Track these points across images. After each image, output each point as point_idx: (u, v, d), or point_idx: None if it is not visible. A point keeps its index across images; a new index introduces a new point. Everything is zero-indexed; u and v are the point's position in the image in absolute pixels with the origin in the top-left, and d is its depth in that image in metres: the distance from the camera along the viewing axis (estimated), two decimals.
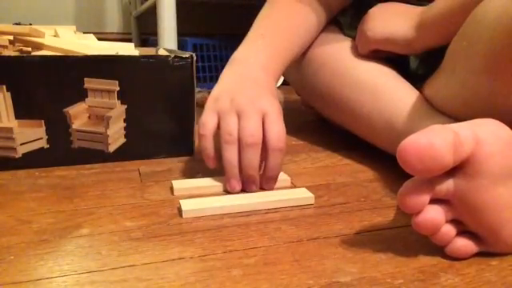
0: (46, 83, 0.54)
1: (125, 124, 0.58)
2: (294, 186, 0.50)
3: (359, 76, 0.58)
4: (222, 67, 0.57)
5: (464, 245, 0.34)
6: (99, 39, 0.70)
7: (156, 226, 0.40)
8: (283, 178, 0.50)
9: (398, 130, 0.53)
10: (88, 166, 0.57)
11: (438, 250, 0.34)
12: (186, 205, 0.42)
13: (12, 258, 0.34)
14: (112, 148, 0.58)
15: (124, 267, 0.33)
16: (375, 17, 0.58)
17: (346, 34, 0.66)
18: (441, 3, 0.50)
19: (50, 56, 0.55)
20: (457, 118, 0.46)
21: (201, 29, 2.02)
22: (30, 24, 1.47)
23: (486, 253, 0.34)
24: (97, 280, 0.31)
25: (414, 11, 0.54)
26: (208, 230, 0.39)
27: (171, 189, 0.48)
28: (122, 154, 0.59)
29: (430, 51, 0.54)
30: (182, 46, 1.39)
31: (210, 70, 1.43)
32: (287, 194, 0.46)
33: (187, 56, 0.59)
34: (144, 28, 2.09)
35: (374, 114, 0.55)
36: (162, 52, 0.67)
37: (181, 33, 1.29)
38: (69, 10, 2.13)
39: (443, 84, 0.49)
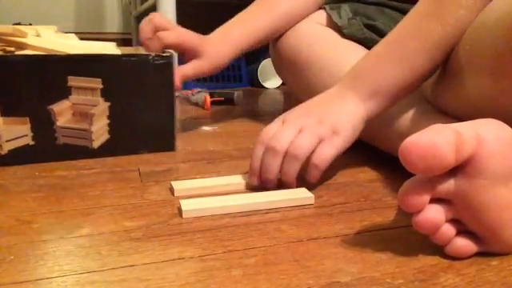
0: (30, 82, 0.56)
1: (108, 121, 0.60)
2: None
3: None
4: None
5: (464, 245, 0.34)
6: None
7: (156, 226, 0.40)
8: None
9: (399, 131, 0.53)
10: (88, 166, 0.57)
11: (438, 250, 0.34)
12: (186, 205, 0.42)
13: (12, 257, 0.34)
14: (96, 144, 0.60)
15: (124, 267, 0.33)
16: None
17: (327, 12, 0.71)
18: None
19: (34, 55, 0.57)
20: (459, 119, 0.46)
21: (201, 29, 2.02)
22: (30, 24, 1.47)
23: (486, 253, 0.34)
24: (97, 280, 0.31)
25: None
26: (208, 230, 0.39)
27: (171, 189, 0.48)
28: (106, 150, 0.61)
29: None
30: None
31: None
32: (287, 194, 0.46)
33: (167, 55, 0.61)
34: None
35: None
36: (141, 51, 0.69)
37: None
38: (69, 10, 2.13)
39: (445, 85, 0.49)
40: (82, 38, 0.71)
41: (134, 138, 0.62)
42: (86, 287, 0.30)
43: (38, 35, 0.64)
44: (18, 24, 1.40)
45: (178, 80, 0.65)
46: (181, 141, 0.68)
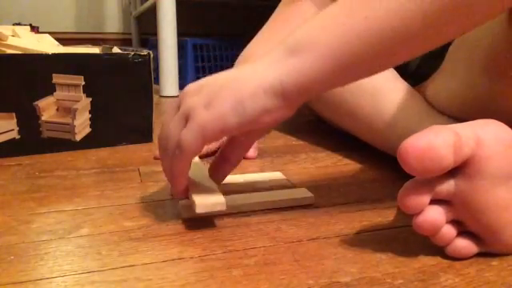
0: (17, 79, 0.59)
1: (90, 115, 0.65)
2: (294, 186, 0.50)
3: None
4: (222, 67, 0.58)
5: (464, 245, 0.34)
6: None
7: (156, 226, 0.40)
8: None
9: (397, 131, 0.53)
10: (88, 165, 0.57)
11: (438, 250, 0.34)
12: (186, 205, 0.42)
13: (12, 257, 0.34)
14: (78, 137, 0.64)
15: (124, 267, 0.33)
16: None
17: None
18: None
19: (21, 54, 0.61)
20: (457, 119, 0.46)
21: (201, 29, 2.02)
22: (30, 24, 1.47)
23: (486, 253, 0.34)
24: (97, 280, 0.31)
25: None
26: (208, 230, 0.39)
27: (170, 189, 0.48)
28: (88, 143, 0.65)
29: (430, 52, 0.54)
30: (182, 45, 1.39)
31: (210, 70, 1.43)
32: (287, 194, 0.46)
33: (145, 54, 0.66)
34: (144, 28, 2.09)
35: (373, 115, 0.55)
36: (115, 50, 0.75)
37: (181, 33, 1.29)
38: (69, 10, 2.13)
39: (443, 85, 0.49)
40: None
41: (114, 131, 0.66)
42: (86, 287, 0.30)
43: (14, 35, 0.67)
44: (18, 24, 1.40)
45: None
46: None
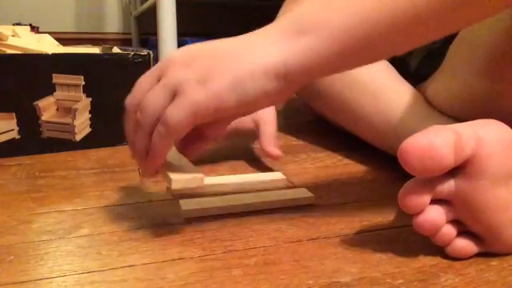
0: (17, 79, 0.59)
1: (90, 115, 0.65)
2: (294, 186, 0.50)
3: (359, 77, 0.58)
4: None
5: (464, 245, 0.34)
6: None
7: (156, 226, 0.40)
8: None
9: (398, 131, 0.53)
10: (88, 165, 0.57)
11: (438, 250, 0.34)
12: (186, 205, 0.42)
13: (12, 257, 0.34)
14: (78, 137, 0.64)
15: (124, 267, 0.33)
16: None
17: None
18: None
19: (21, 54, 0.61)
20: (457, 119, 0.46)
21: (201, 29, 2.02)
22: (30, 24, 1.47)
23: (486, 253, 0.34)
24: (97, 280, 0.31)
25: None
26: (208, 230, 0.39)
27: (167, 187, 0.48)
28: (88, 143, 0.65)
29: (430, 52, 0.54)
30: (181, 45, 1.39)
31: None
32: (287, 194, 0.46)
33: (145, 54, 0.66)
34: (144, 28, 2.09)
35: (373, 114, 0.55)
36: (115, 50, 0.75)
37: (181, 33, 1.29)
38: (69, 10, 2.13)
39: (444, 85, 0.49)
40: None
41: (114, 131, 0.66)
42: (86, 287, 0.30)
43: (14, 35, 0.67)
44: (18, 24, 1.40)
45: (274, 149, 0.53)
46: None
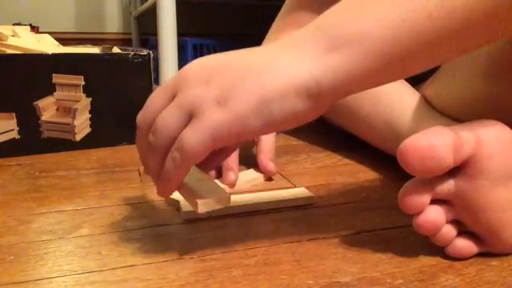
0: (17, 79, 0.59)
1: (90, 115, 0.65)
2: (294, 186, 0.50)
3: None
4: None
5: (464, 245, 0.34)
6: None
7: (156, 226, 0.40)
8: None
9: (398, 132, 0.53)
10: (88, 165, 0.57)
11: (438, 250, 0.34)
12: (186, 205, 0.42)
13: (12, 257, 0.34)
14: (78, 137, 0.65)
15: (124, 267, 0.33)
16: None
17: None
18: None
19: (21, 54, 0.61)
20: (457, 119, 0.46)
21: (201, 29, 2.02)
22: (30, 24, 1.47)
23: (486, 253, 0.34)
24: (97, 280, 0.31)
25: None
26: (208, 230, 0.39)
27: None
28: (88, 143, 0.65)
29: None
30: (181, 45, 1.39)
31: None
32: (287, 194, 0.46)
33: (145, 54, 0.67)
34: (144, 28, 2.09)
35: (373, 115, 0.55)
36: (115, 50, 0.75)
37: (181, 33, 1.29)
38: (69, 10, 2.13)
39: (444, 86, 0.49)
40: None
41: (114, 131, 0.66)
42: (86, 287, 0.30)
43: (14, 35, 0.67)
44: (18, 24, 1.40)
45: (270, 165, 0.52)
46: None
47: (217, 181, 0.36)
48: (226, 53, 0.31)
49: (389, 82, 0.31)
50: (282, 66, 0.29)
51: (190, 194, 0.33)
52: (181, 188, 0.34)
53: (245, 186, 0.50)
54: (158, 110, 0.31)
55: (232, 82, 0.29)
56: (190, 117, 0.29)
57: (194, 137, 0.28)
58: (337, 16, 0.30)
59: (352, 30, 0.28)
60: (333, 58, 0.28)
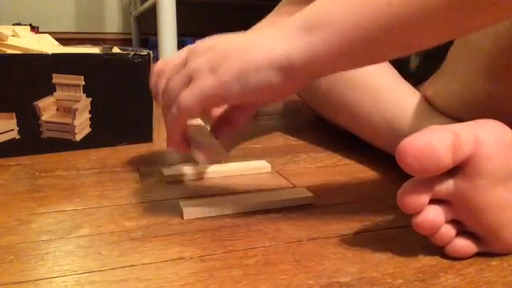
0: (17, 79, 0.59)
1: (90, 115, 0.65)
2: (293, 186, 0.50)
3: (359, 77, 0.58)
4: None
5: (464, 245, 0.34)
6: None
7: (156, 226, 0.40)
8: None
9: (398, 131, 0.53)
10: (88, 165, 0.57)
11: (437, 250, 0.34)
12: (186, 205, 0.42)
13: (12, 257, 0.34)
14: (78, 137, 0.64)
15: (124, 267, 0.33)
16: None
17: None
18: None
19: (21, 54, 0.61)
20: (457, 119, 0.46)
21: (201, 29, 2.02)
22: (30, 24, 1.47)
23: (486, 253, 0.34)
24: (97, 280, 0.31)
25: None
26: (208, 230, 0.39)
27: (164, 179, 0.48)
28: (88, 143, 0.65)
29: (430, 52, 0.54)
30: (181, 45, 1.39)
31: None
32: (287, 194, 0.46)
33: (145, 54, 0.67)
34: (144, 28, 2.09)
35: (374, 114, 0.55)
36: (115, 50, 0.75)
37: (181, 33, 1.29)
38: (69, 10, 2.13)
39: (444, 85, 0.49)
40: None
41: (114, 131, 0.67)
42: (86, 287, 0.30)
43: (14, 35, 0.67)
44: (18, 24, 1.40)
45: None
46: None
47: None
48: (225, 34, 0.37)
49: (357, 66, 0.35)
50: (262, 43, 0.34)
51: (196, 147, 0.41)
52: (192, 145, 0.42)
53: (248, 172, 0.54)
54: (169, 76, 0.38)
55: (223, 55, 0.35)
56: (190, 81, 0.36)
57: (187, 96, 0.35)
58: (318, 3, 0.34)
59: (323, 15, 0.32)
60: (305, 38, 0.32)
